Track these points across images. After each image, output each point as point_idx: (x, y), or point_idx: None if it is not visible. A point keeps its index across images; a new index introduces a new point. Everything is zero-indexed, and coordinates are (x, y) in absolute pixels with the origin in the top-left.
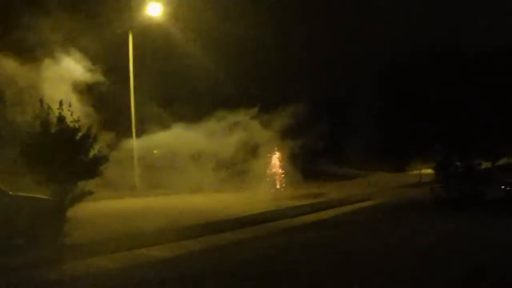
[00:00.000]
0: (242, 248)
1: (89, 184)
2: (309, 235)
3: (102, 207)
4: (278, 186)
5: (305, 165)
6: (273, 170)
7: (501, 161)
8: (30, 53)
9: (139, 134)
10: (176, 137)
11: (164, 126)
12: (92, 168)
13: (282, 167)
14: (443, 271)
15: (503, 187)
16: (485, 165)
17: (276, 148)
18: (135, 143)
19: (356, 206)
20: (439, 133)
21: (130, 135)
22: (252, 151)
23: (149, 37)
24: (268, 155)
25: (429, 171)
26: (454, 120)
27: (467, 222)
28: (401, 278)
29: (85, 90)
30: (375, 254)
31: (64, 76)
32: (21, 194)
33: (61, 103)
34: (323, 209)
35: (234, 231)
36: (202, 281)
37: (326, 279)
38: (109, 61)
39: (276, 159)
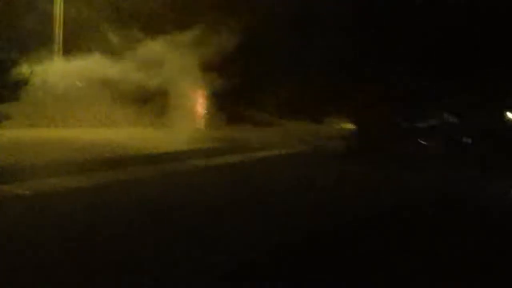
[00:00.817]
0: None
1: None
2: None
3: (12, 135)
4: (197, 126)
5: (224, 108)
6: (194, 108)
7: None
8: None
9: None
10: (97, 66)
11: (87, 52)
12: (11, 91)
13: (203, 107)
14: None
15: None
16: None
17: (199, 86)
18: (53, 71)
19: (269, 153)
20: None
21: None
22: (175, 86)
23: None
24: (191, 92)
25: (348, 126)
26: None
27: (373, 170)
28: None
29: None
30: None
31: None
32: None
33: None
34: (234, 153)
35: (137, 167)
36: (82, 216)
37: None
38: None
39: (198, 97)
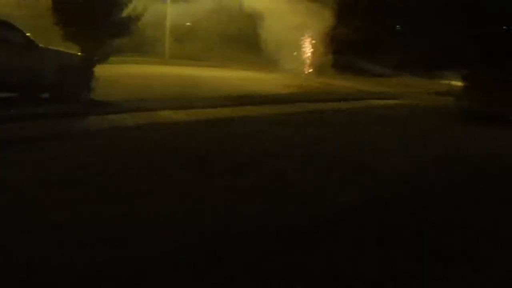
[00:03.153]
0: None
1: (119, 45)
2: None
3: (130, 70)
4: (309, 71)
5: (338, 57)
6: (307, 55)
7: None
8: None
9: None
10: (212, 10)
11: None
12: (124, 27)
13: (316, 54)
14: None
15: None
16: None
17: (313, 34)
18: (169, 10)
19: (382, 102)
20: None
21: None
22: (290, 32)
23: None
24: (304, 38)
25: (459, 83)
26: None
27: (478, 134)
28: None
29: None
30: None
31: None
32: (51, 47)
33: None
34: (349, 100)
35: (255, 105)
36: (206, 146)
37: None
38: None
39: (311, 44)
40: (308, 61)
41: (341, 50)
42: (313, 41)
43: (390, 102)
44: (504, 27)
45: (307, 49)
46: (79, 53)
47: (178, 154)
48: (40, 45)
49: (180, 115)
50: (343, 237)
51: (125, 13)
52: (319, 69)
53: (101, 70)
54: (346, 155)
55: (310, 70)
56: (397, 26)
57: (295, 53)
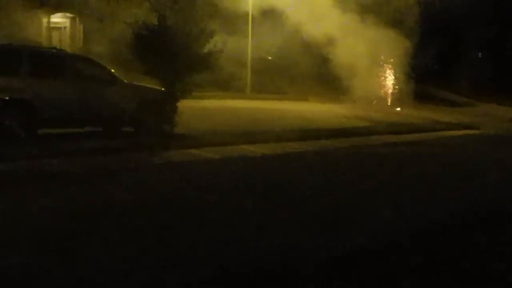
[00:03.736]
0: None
1: (201, 80)
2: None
3: (211, 105)
4: (388, 104)
5: (414, 87)
6: (385, 87)
7: None
8: None
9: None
10: (291, 42)
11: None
12: (205, 62)
13: (393, 85)
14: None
15: None
16: None
17: (389, 65)
18: (250, 44)
19: (462, 132)
20: None
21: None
22: (368, 62)
23: None
24: (381, 70)
25: None
26: None
27: None
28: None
29: None
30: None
31: None
32: (134, 83)
33: None
34: (427, 131)
35: (330, 139)
36: (291, 179)
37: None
38: None
39: (389, 76)
40: (386, 92)
41: (420, 79)
42: (391, 70)
43: (470, 132)
44: None
45: (386, 79)
46: (162, 88)
47: (249, 185)
48: (124, 80)
49: (257, 149)
50: None
51: (206, 49)
52: (397, 99)
53: (183, 105)
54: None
55: (389, 101)
56: (479, 54)
57: (373, 84)
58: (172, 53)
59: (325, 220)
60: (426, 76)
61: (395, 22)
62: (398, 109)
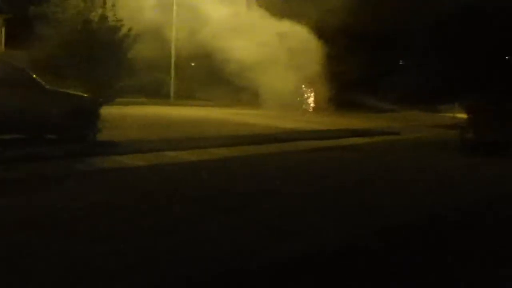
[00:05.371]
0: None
1: (125, 87)
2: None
3: (136, 112)
4: (309, 110)
5: (339, 94)
6: (307, 94)
7: None
8: None
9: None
10: (217, 48)
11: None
12: (129, 67)
13: (315, 92)
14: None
15: None
16: None
17: (312, 72)
18: (173, 51)
19: (381, 138)
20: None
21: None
22: (292, 70)
23: None
24: (304, 78)
25: (464, 115)
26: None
27: (484, 164)
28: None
29: None
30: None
31: None
32: (58, 89)
33: (104, 2)
34: (347, 137)
35: (253, 145)
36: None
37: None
38: None
39: (311, 83)
40: (308, 100)
41: (343, 87)
42: (315, 79)
43: (391, 137)
44: (506, 57)
45: (308, 87)
46: (86, 95)
47: (179, 191)
48: (46, 86)
49: (183, 155)
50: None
51: (130, 54)
52: (320, 106)
53: (107, 112)
54: (346, 188)
55: (311, 109)
56: (400, 61)
57: (295, 93)
58: (96, 60)
59: (257, 227)
60: (353, 84)
61: (319, 30)
62: (317, 115)
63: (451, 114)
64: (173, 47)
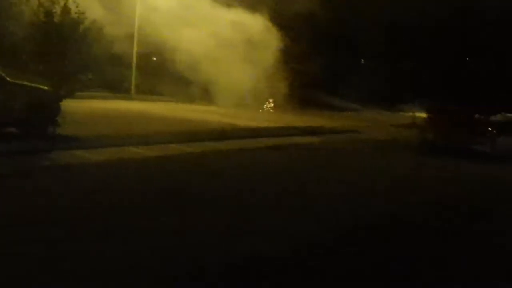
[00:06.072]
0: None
1: (87, 81)
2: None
3: (96, 106)
4: (269, 108)
5: (300, 93)
6: (268, 91)
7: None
8: None
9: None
10: (178, 42)
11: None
12: (91, 61)
13: (277, 90)
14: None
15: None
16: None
17: (275, 71)
18: (136, 46)
19: (342, 136)
20: (438, 84)
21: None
22: (251, 68)
23: None
24: (266, 76)
25: (423, 115)
26: (455, 75)
27: (443, 164)
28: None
29: None
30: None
31: None
32: (19, 82)
33: None
34: (307, 135)
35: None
36: (173, 177)
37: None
38: None
39: (273, 81)
40: (267, 97)
41: (304, 85)
42: (275, 76)
43: (349, 136)
44: (467, 59)
45: (267, 84)
46: (46, 88)
47: (139, 187)
48: (7, 78)
49: (143, 151)
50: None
51: (92, 48)
52: (278, 104)
53: (68, 105)
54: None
55: (269, 106)
56: (362, 60)
57: (254, 89)
58: (59, 52)
59: (217, 224)
60: (314, 83)
61: (282, 28)
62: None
63: (411, 114)
64: (135, 41)
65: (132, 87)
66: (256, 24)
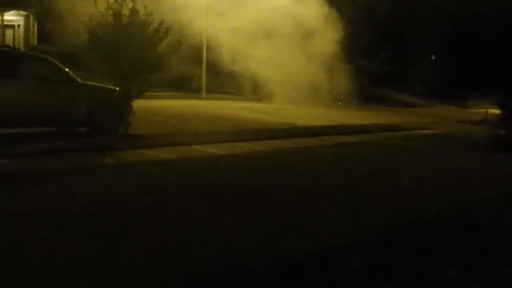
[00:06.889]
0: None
1: (156, 80)
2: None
3: (167, 104)
4: (338, 103)
5: (365, 88)
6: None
7: None
8: None
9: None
10: (251, 43)
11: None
12: (159, 61)
13: (342, 86)
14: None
15: None
16: None
17: (339, 65)
18: (205, 43)
19: (410, 133)
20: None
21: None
22: (318, 65)
23: None
24: (331, 71)
25: (496, 111)
26: None
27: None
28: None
29: None
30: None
31: None
32: (89, 82)
33: None
34: (375, 132)
35: (282, 139)
36: (246, 175)
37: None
38: None
39: (339, 77)
40: (335, 93)
41: (370, 81)
42: (342, 73)
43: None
44: None
45: (335, 80)
46: (117, 88)
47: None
48: (78, 79)
49: (212, 149)
50: None
51: (160, 48)
52: (345, 100)
53: (137, 105)
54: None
55: (339, 102)
56: (432, 56)
57: (322, 86)
58: (127, 53)
59: (277, 222)
60: (383, 79)
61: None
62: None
63: (483, 110)
64: (204, 40)
65: (203, 86)
66: (325, 25)
